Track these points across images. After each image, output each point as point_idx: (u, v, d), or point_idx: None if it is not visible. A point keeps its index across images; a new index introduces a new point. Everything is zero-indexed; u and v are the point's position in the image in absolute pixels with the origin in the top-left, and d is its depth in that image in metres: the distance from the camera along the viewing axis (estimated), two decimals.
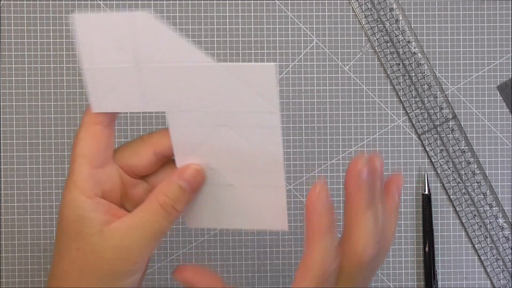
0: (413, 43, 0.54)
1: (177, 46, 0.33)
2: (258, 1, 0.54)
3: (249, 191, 0.36)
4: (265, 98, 0.33)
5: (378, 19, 0.54)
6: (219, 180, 0.36)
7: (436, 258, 0.54)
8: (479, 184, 0.55)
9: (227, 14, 0.54)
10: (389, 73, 0.54)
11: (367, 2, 0.54)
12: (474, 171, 0.55)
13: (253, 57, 0.54)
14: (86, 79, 0.34)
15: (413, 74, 0.54)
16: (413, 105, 0.54)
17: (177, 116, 0.34)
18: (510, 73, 0.55)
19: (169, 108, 0.34)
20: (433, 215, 0.54)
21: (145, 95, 0.34)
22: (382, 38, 0.54)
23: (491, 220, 0.55)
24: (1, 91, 0.53)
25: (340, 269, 0.34)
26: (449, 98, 0.54)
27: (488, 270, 0.55)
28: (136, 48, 0.33)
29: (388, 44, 0.54)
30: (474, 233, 0.55)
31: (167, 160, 0.38)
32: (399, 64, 0.54)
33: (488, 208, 0.55)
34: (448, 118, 0.54)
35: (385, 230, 0.35)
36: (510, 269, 0.55)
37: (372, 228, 0.33)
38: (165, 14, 0.54)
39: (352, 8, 0.54)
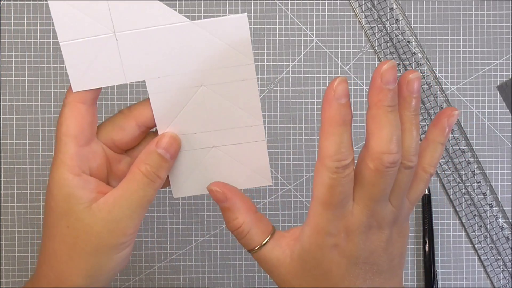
0: (413, 43, 0.54)
1: (149, 10, 0.33)
2: (258, 1, 0.54)
3: (231, 150, 0.37)
4: (239, 50, 0.34)
5: (378, 19, 0.54)
6: (201, 143, 0.37)
7: (436, 258, 0.54)
8: (479, 184, 0.55)
9: (227, 14, 0.54)
10: None
11: (367, 2, 0.54)
12: (474, 171, 0.55)
13: (253, 57, 0.54)
14: (64, 57, 0.34)
15: None
16: None
17: (156, 82, 0.35)
18: (510, 73, 0.55)
19: (148, 75, 0.35)
20: (433, 215, 0.54)
21: (123, 65, 0.35)
22: (382, 38, 0.54)
23: (491, 220, 0.55)
24: (1, 91, 0.53)
25: (361, 176, 0.34)
26: (449, 98, 0.55)
27: (488, 270, 0.55)
28: (111, 18, 0.33)
29: (388, 44, 0.54)
30: (474, 233, 0.55)
31: (147, 133, 0.38)
32: (399, 64, 0.54)
33: (488, 208, 0.55)
34: None
35: (416, 151, 0.34)
36: (510, 269, 0.55)
37: (393, 132, 0.33)
38: None
39: (352, 8, 0.54)
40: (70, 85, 0.35)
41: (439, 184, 0.55)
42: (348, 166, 0.33)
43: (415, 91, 0.34)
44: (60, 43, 0.34)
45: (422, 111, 0.54)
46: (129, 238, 0.36)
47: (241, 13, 0.54)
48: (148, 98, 0.36)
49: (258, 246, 0.36)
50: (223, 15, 0.54)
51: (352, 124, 0.55)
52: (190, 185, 0.38)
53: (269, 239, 0.36)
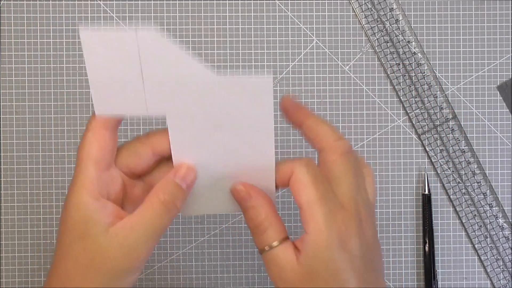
0: (413, 43, 0.54)
1: (179, 61, 0.34)
2: (258, 1, 0.54)
3: (242, 179, 0.38)
4: (260, 111, 0.35)
5: (378, 19, 0.54)
6: (213, 173, 0.38)
7: (436, 258, 0.54)
8: (479, 184, 0.55)
9: (227, 14, 0.54)
10: (389, 73, 0.54)
11: (367, 2, 0.54)
12: (474, 171, 0.55)
13: (253, 57, 0.54)
14: (89, 81, 0.35)
15: (413, 74, 0.54)
16: (413, 105, 0.54)
17: (177, 120, 0.36)
18: (510, 73, 0.55)
19: (169, 112, 0.36)
20: (433, 215, 0.54)
21: (147, 99, 0.35)
22: (382, 38, 0.54)
23: (491, 220, 0.55)
24: (1, 91, 0.53)
25: (332, 173, 0.36)
26: (449, 98, 0.55)
27: (488, 270, 0.55)
28: (140, 64, 0.34)
29: (388, 44, 0.54)
30: (474, 233, 0.55)
31: (161, 159, 0.39)
32: (399, 64, 0.54)
33: (488, 208, 0.55)
34: (448, 118, 0.54)
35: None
36: (510, 269, 0.55)
37: (329, 125, 0.37)
38: (165, 14, 0.54)
39: (352, 8, 0.54)
40: (94, 111, 0.36)
41: (439, 184, 0.55)
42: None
43: (296, 103, 0.38)
44: (88, 70, 0.34)
45: (422, 111, 0.54)
46: (143, 263, 0.37)
47: (245, 13, 0.54)
48: (167, 128, 0.37)
49: (272, 245, 0.37)
50: (228, 20, 0.54)
51: (352, 124, 0.55)
52: (199, 206, 0.39)
53: (282, 240, 0.37)
